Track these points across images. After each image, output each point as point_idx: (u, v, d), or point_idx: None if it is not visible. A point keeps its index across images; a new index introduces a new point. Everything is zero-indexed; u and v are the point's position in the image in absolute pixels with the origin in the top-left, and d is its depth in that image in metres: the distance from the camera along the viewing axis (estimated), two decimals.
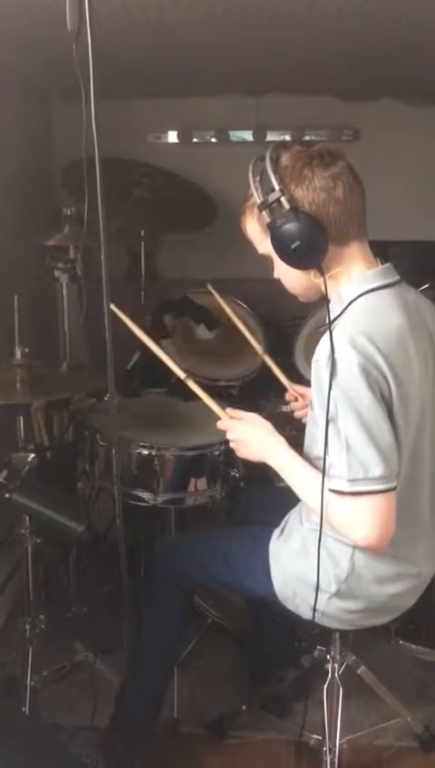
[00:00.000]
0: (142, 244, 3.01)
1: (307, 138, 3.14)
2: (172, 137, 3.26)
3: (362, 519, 1.37)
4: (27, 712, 1.93)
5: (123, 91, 2.78)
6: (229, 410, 1.63)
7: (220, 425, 1.63)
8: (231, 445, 1.62)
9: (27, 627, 2.01)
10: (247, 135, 3.24)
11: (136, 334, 1.70)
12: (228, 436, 1.62)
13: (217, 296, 2.04)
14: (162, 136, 3.26)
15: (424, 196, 3.17)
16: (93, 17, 1.28)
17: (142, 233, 2.98)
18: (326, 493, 1.40)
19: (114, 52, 1.81)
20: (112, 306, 1.55)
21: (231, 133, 3.25)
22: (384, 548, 1.40)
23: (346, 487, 1.37)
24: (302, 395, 1.83)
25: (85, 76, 1.30)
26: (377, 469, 1.34)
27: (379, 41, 2.20)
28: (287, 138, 3.17)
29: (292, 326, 2.76)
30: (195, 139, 3.26)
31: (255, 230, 1.51)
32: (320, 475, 1.42)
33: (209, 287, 2.09)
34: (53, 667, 2.07)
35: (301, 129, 3.15)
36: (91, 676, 1.94)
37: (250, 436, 1.59)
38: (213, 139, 3.27)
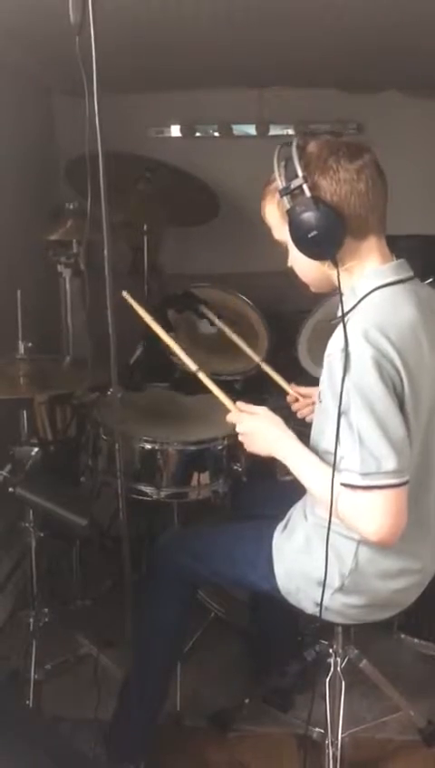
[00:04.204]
0: (145, 238, 2.99)
1: None
2: (175, 131, 3.26)
3: (375, 513, 1.36)
4: (30, 705, 1.94)
5: (126, 86, 2.77)
6: (240, 404, 1.63)
7: (230, 417, 1.63)
8: (240, 438, 1.62)
9: (31, 620, 2.02)
10: (250, 129, 3.23)
11: (148, 323, 1.68)
12: (238, 429, 1.61)
13: (226, 330, 2.03)
14: (165, 130, 3.26)
15: (429, 190, 3.15)
16: (96, 11, 1.27)
17: (145, 227, 2.97)
18: (337, 486, 1.40)
19: (117, 46, 1.81)
20: (124, 293, 1.54)
21: (234, 127, 3.25)
22: (395, 542, 1.40)
23: (359, 481, 1.36)
24: (303, 395, 1.83)
25: (88, 70, 1.30)
26: (390, 463, 1.33)
27: (382, 34, 2.19)
28: (290, 131, 3.16)
29: (296, 321, 2.75)
30: (198, 133, 3.26)
31: (273, 215, 1.50)
32: (330, 469, 1.41)
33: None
34: (56, 661, 2.07)
35: (304, 122, 3.14)
36: (95, 669, 1.94)
37: (260, 429, 1.58)
38: (216, 133, 3.26)
